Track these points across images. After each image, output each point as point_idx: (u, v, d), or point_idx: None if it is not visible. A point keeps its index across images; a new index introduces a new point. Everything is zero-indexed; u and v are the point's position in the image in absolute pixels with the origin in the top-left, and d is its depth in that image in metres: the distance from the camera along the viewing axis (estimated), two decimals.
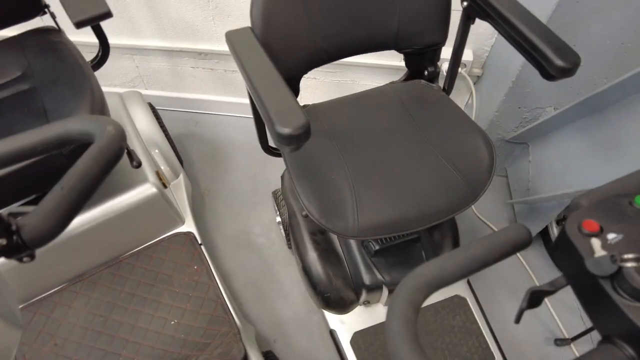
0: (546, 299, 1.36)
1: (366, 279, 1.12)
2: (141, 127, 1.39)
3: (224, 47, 1.56)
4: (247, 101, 1.77)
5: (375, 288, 1.13)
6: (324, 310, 1.21)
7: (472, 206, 1.60)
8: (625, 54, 1.11)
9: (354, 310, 1.21)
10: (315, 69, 1.56)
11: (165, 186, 1.27)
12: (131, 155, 1.09)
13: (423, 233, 1.14)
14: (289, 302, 1.39)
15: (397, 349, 0.38)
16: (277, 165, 1.63)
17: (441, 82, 1.13)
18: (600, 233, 0.40)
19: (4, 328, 0.42)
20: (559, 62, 0.76)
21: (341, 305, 1.18)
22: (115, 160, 0.50)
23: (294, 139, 0.61)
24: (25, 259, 0.43)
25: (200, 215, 1.55)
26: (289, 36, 0.88)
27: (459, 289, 1.24)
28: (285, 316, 1.36)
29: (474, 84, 1.54)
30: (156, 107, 1.55)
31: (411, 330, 0.39)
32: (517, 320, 0.44)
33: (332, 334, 1.19)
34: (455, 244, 1.27)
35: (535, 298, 0.43)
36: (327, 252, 1.20)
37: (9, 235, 0.41)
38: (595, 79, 1.18)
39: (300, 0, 0.89)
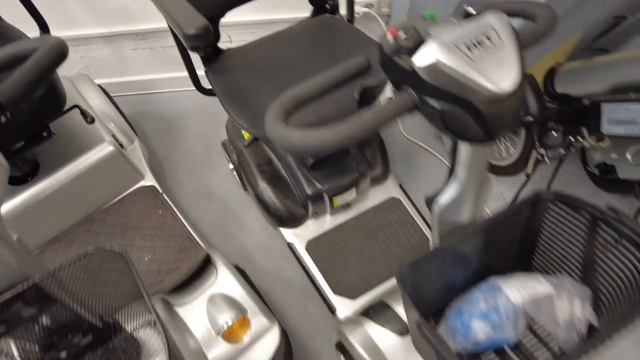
0: None
1: (308, 190, 1.29)
2: (93, 104, 1.52)
3: (159, 24, 1.71)
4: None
5: (317, 198, 1.31)
6: (281, 229, 1.38)
7: (402, 130, 1.81)
8: None
9: (305, 224, 1.38)
10: (243, 31, 1.73)
11: (122, 146, 1.42)
12: (84, 113, 1.24)
13: None
14: (252, 236, 1.56)
15: (271, 127, 0.56)
16: (224, 131, 1.78)
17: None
18: (396, 36, 0.59)
19: None
20: None
21: (293, 220, 1.35)
22: (61, 57, 0.66)
23: (198, 38, 0.79)
24: (2, 118, 0.58)
25: (161, 179, 1.69)
26: None
27: (393, 191, 1.44)
28: (250, 247, 1.52)
29: (386, 23, 1.74)
30: None
31: (281, 119, 0.57)
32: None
33: (290, 246, 1.36)
34: (384, 159, 1.45)
35: (365, 95, 0.61)
36: (274, 178, 1.37)
37: None
38: None
39: None
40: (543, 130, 1.26)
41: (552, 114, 1.25)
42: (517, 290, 0.75)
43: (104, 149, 1.31)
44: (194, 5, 0.96)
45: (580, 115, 1.18)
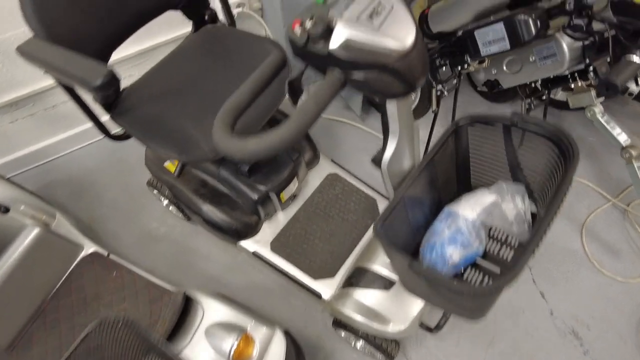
0: None
1: (254, 195, 1.31)
2: None
3: (31, 87, 1.59)
4: (84, 127, 1.83)
5: (265, 199, 1.34)
6: (240, 242, 1.39)
7: None
8: None
9: (262, 229, 1.41)
10: (129, 65, 1.67)
11: (46, 225, 1.32)
12: None
13: None
14: (212, 260, 1.55)
15: (224, 145, 0.58)
16: (142, 170, 1.71)
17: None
18: (302, 26, 0.63)
19: None
20: None
21: (250, 229, 1.37)
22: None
23: (107, 86, 0.77)
24: None
25: (98, 241, 1.60)
26: (70, 31, 0.99)
27: (329, 168, 1.51)
28: (215, 272, 1.52)
29: (262, 16, 1.78)
30: None
31: (229, 134, 0.59)
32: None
33: (255, 255, 1.38)
34: (310, 142, 1.52)
35: (293, 87, 0.66)
36: (216, 197, 1.37)
37: None
38: None
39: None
40: (434, 69, 1.41)
41: (437, 52, 1.39)
42: (470, 208, 0.86)
43: (30, 232, 1.22)
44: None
45: (459, 46, 1.33)
